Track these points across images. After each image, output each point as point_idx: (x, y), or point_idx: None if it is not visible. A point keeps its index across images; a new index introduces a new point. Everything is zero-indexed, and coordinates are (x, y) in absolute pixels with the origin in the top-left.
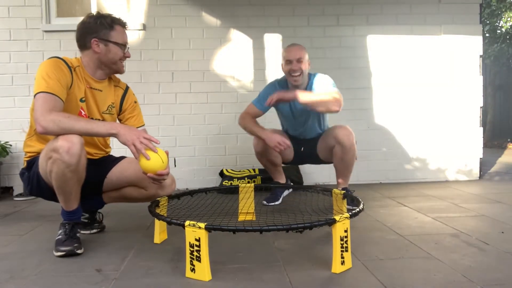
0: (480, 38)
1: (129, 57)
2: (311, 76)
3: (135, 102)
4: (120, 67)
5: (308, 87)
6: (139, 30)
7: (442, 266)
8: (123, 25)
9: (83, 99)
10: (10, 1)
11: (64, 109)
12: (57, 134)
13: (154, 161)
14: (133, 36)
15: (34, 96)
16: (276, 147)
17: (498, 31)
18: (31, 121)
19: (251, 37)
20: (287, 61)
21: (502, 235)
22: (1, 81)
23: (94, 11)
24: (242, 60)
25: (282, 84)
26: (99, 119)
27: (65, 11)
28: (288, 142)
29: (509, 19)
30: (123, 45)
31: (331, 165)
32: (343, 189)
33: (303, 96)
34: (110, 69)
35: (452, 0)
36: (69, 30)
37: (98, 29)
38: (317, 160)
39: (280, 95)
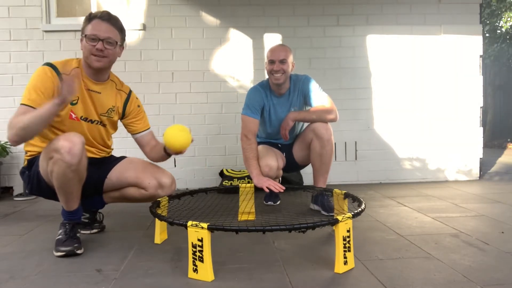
0: (480, 38)
1: (100, 49)
2: (291, 79)
3: (139, 106)
4: (91, 61)
5: (291, 91)
6: (139, 30)
7: (442, 266)
8: (102, 18)
9: (74, 102)
10: (10, 1)
11: None
12: (22, 137)
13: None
14: (133, 36)
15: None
16: (265, 188)
17: (498, 31)
18: None
19: (251, 37)
20: (270, 61)
21: (502, 235)
22: (1, 81)
23: (94, 11)
24: (242, 60)
25: (265, 87)
26: (97, 121)
27: (65, 11)
28: (280, 185)
29: (509, 19)
30: (91, 37)
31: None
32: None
33: (299, 116)
34: (89, 66)
35: (452, 0)
36: (69, 30)
37: (82, 26)
38: (293, 165)
39: (285, 128)
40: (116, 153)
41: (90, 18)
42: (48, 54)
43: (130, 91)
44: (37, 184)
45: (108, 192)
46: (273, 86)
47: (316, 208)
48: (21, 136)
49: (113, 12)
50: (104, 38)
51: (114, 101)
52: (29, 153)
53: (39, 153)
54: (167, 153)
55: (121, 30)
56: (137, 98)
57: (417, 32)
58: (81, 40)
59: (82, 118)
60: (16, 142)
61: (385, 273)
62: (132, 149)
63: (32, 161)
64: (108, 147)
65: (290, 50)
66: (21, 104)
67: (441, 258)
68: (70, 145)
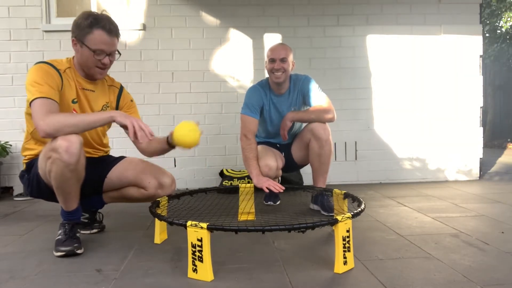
0: (480, 38)
1: (106, 64)
2: (291, 78)
3: (131, 100)
4: (95, 73)
5: (291, 91)
6: (139, 30)
7: (442, 266)
8: (107, 30)
9: (75, 100)
10: (10, 1)
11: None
12: (58, 134)
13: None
14: (133, 36)
15: (30, 104)
16: (265, 188)
17: (498, 31)
18: (27, 125)
19: (251, 37)
20: (271, 60)
21: (502, 235)
22: (1, 81)
23: (93, 11)
24: (242, 60)
25: (264, 86)
26: None
27: (65, 11)
28: (280, 186)
29: (509, 19)
30: (97, 52)
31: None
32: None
33: (296, 116)
34: (87, 73)
35: (452, 0)
36: (69, 30)
37: (78, 29)
38: (292, 165)
39: (284, 128)
40: (115, 153)
41: (91, 25)
42: (48, 54)
43: (122, 86)
44: (36, 186)
45: (107, 192)
46: (273, 85)
47: (316, 208)
48: (57, 132)
49: (113, 12)
50: (110, 52)
51: (108, 97)
52: (27, 157)
53: (37, 155)
54: (170, 146)
55: (119, 37)
56: (128, 93)
57: (417, 32)
58: (75, 43)
59: None
60: (48, 135)
61: (385, 273)
62: (131, 149)
63: (31, 164)
64: (105, 146)
65: (291, 49)
66: (40, 97)
67: (441, 258)
68: (67, 144)
